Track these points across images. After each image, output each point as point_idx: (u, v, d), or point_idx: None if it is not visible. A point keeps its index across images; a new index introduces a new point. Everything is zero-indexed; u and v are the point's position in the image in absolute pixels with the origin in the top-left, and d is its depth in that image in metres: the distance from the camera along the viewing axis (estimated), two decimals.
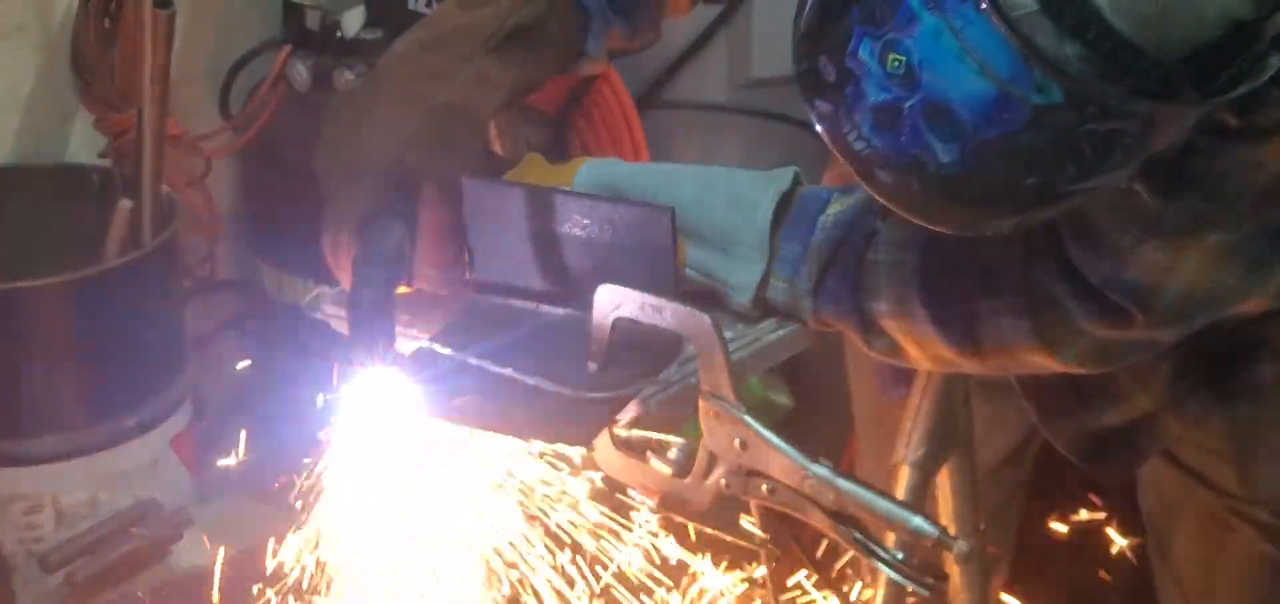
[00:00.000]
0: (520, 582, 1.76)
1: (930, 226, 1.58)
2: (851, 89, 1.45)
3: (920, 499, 1.93)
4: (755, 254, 1.76)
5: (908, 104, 1.42)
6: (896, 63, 1.41)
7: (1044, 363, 1.70)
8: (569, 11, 1.78)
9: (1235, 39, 1.39)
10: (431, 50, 1.72)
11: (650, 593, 1.90)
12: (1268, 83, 1.41)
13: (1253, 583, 2.05)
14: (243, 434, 2.10)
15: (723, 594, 2.18)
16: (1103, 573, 3.28)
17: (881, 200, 1.52)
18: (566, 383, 1.62)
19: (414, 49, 1.73)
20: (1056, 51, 1.35)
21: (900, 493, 1.93)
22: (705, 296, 1.74)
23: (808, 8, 1.49)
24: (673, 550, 1.90)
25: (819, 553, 2.07)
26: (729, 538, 1.85)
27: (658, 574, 1.89)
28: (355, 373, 1.61)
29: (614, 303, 1.61)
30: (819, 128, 1.50)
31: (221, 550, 2.17)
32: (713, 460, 1.63)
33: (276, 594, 1.75)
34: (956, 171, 1.43)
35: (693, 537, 1.88)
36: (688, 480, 1.65)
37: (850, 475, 1.59)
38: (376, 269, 1.65)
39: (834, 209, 1.76)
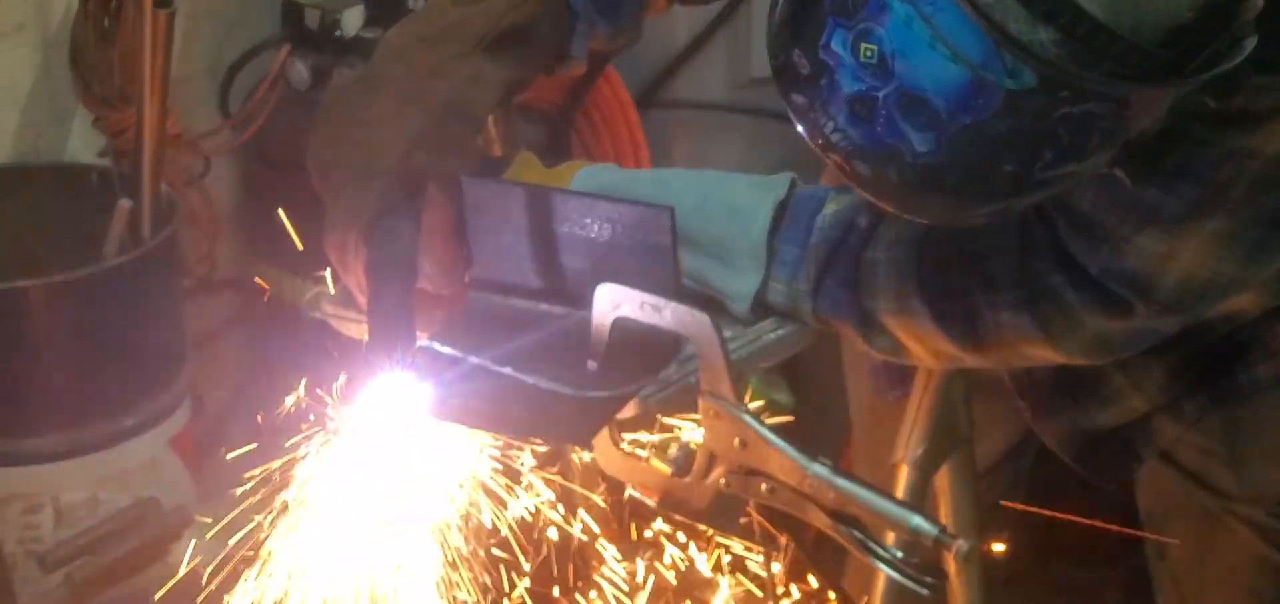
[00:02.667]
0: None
1: (911, 217, 1.59)
2: (826, 81, 1.45)
3: (920, 498, 1.93)
4: (753, 263, 1.76)
5: (882, 93, 1.42)
6: (869, 52, 1.41)
7: (1046, 355, 1.70)
8: (560, 12, 1.77)
9: (1211, 20, 1.38)
10: (428, 46, 1.71)
11: None
12: (1245, 66, 1.41)
13: (1248, 582, 2.06)
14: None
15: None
16: (1101, 572, 3.29)
17: (861, 192, 1.52)
18: (566, 382, 1.62)
19: (411, 44, 1.72)
20: (1029, 36, 1.35)
21: (900, 492, 1.93)
22: (703, 301, 1.74)
23: (781, 1, 1.49)
24: None
25: (818, 552, 2.07)
26: (728, 537, 1.85)
27: None
28: (375, 375, 1.59)
29: (614, 302, 1.61)
30: (796, 121, 1.50)
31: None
32: (712, 460, 1.63)
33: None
34: (933, 160, 1.43)
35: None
36: (687, 480, 1.65)
37: (850, 474, 1.59)
38: (393, 271, 1.63)
39: (830, 209, 1.76)
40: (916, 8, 1.37)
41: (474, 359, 1.65)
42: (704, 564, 2.02)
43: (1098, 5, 1.34)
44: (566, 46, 1.80)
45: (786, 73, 1.48)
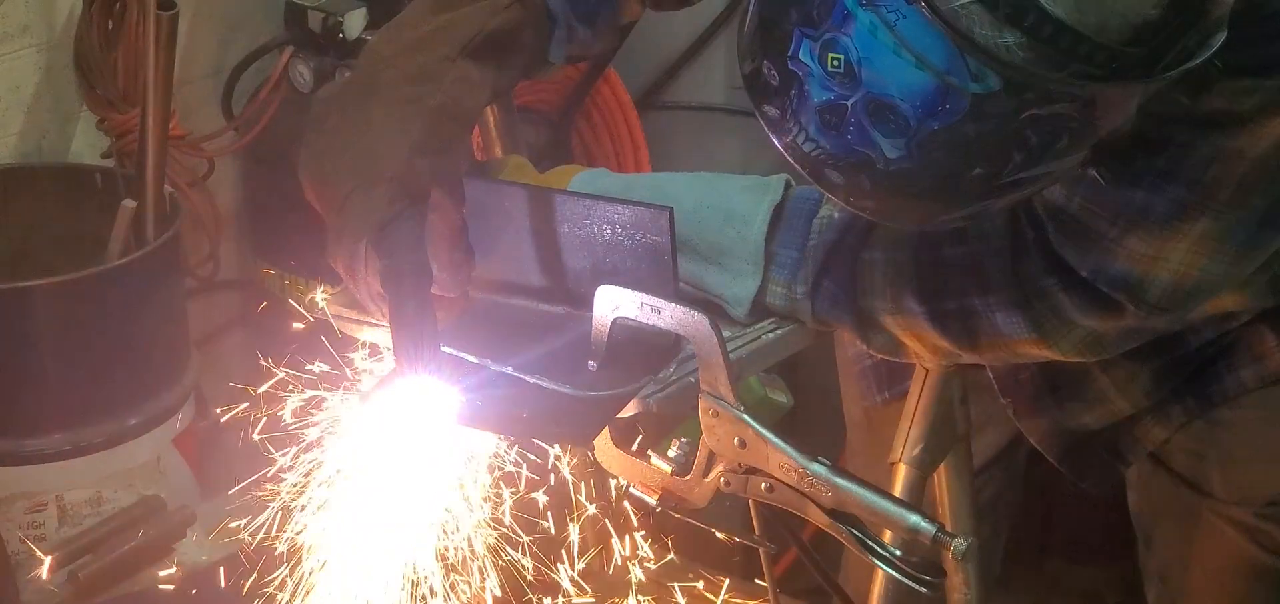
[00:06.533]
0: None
1: (886, 222, 1.59)
2: (795, 91, 1.46)
3: (918, 497, 1.93)
4: (750, 267, 1.77)
5: (851, 101, 1.42)
6: (836, 61, 1.42)
7: (1041, 354, 1.71)
8: (541, 19, 1.77)
9: (1179, 16, 1.39)
10: (417, 51, 1.69)
11: None
12: (1215, 63, 1.41)
13: (1235, 582, 2.07)
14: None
15: None
16: (1098, 571, 3.30)
17: (835, 199, 1.53)
18: (567, 382, 1.63)
19: (399, 51, 1.70)
20: (994, 40, 1.35)
21: (898, 491, 1.93)
22: (702, 304, 1.75)
23: (748, 13, 1.50)
24: None
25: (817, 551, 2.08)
26: (728, 535, 1.86)
27: None
28: (400, 381, 1.59)
29: (613, 303, 1.62)
30: (769, 132, 1.51)
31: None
32: (712, 458, 1.64)
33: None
34: (904, 166, 1.43)
35: None
36: (687, 478, 1.66)
37: (848, 473, 1.60)
38: (410, 278, 1.61)
39: (827, 210, 1.77)
40: (880, 15, 1.38)
41: (474, 359, 1.66)
42: None
43: (1062, 6, 1.35)
44: (546, 51, 1.80)
45: (757, 84, 1.49)
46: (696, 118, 3.45)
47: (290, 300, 1.85)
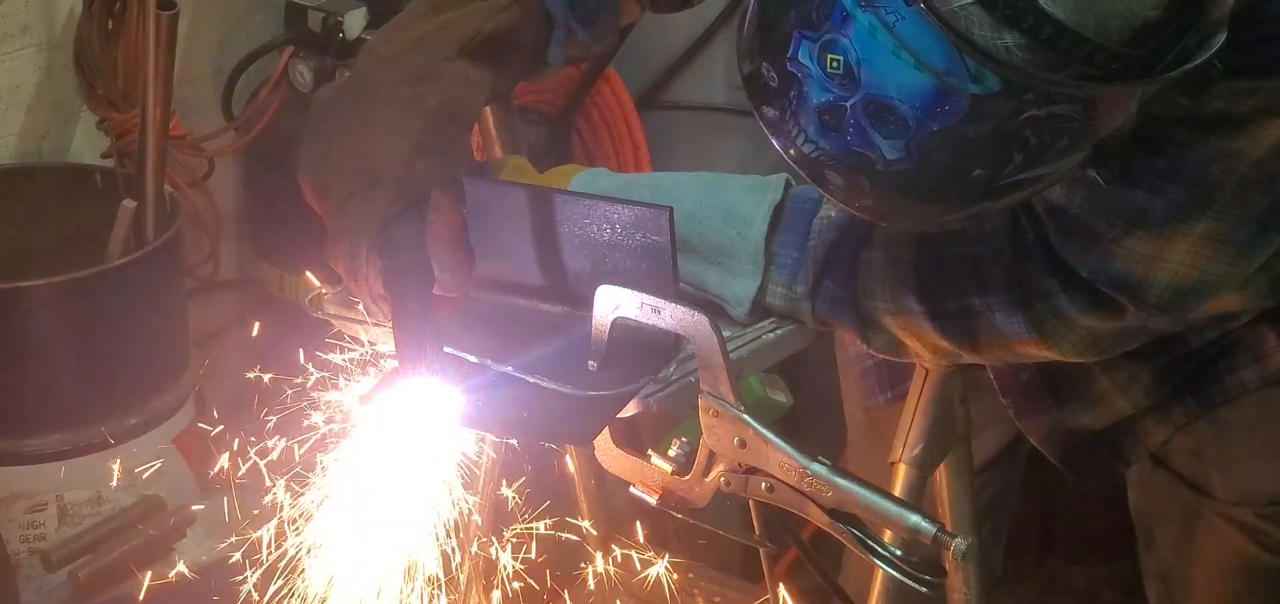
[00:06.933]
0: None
1: (886, 224, 1.59)
2: (795, 92, 1.46)
3: (918, 497, 1.93)
4: (751, 267, 1.77)
5: (850, 103, 1.43)
6: (835, 63, 1.42)
7: (1041, 354, 1.71)
8: (539, 20, 1.77)
9: (1179, 17, 1.39)
10: (415, 51, 1.70)
11: None
12: (1214, 64, 1.41)
13: (1235, 582, 2.07)
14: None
15: None
16: (1098, 570, 3.30)
17: (835, 202, 1.53)
18: (567, 382, 1.63)
19: (399, 50, 1.70)
20: (993, 41, 1.35)
21: (898, 491, 1.93)
22: (702, 304, 1.75)
23: (748, 15, 1.50)
24: None
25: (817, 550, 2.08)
26: (728, 535, 1.86)
27: None
28: (404, 381, 1.59)
29: (613, 303, 1.62)
30: (769, 134, 1.51)
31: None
32: (712, 458, 1.64)
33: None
34: (903, 167, 1.44)
35: None
36: (688, 478, 1.66)
37: (849, 473, 1.60)
38: (413, 279, 1.62)
39: (827, 210, 1.77)
40: (879, 17, 1.38)
41: (473, 358, 1.66)
42: None
43: (1061, 7, 1.35)
44: (544, 53, 1.80)
45: (756, 86, 1.49)
46: (696, 118, 3.44)
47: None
